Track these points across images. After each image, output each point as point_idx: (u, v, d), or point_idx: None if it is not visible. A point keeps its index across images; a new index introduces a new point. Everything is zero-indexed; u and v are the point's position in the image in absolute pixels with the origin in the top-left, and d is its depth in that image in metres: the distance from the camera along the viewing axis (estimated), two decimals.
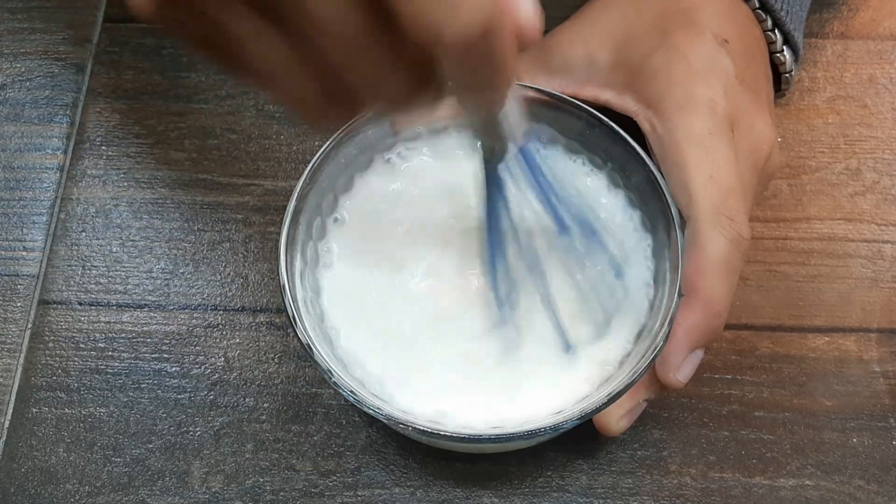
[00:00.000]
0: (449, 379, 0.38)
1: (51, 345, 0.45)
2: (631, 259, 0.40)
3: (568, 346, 0.38)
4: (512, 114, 0.32)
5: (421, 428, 0.35)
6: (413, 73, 0.25)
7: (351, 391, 0.35)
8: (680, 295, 0.37)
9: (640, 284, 0.40)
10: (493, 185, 0.36)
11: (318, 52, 0.25)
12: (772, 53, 0.45)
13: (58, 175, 0.50)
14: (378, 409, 0.35)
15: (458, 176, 0.42)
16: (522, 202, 0.37)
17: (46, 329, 0.46)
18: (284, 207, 0.39)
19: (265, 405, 0.44)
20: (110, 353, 0.45)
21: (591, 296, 0.39)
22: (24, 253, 0.48)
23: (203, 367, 0.45)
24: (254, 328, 0.46)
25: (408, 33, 0.24)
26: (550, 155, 0.43)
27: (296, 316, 0.37)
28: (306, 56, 0.25)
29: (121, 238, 0.48)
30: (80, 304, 0.46)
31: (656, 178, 0.39)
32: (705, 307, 0.37)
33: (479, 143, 0.34)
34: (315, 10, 0.23)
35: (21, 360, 0.45)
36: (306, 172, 0.39)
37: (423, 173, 0.42)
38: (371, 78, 0.26)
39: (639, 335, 0.39)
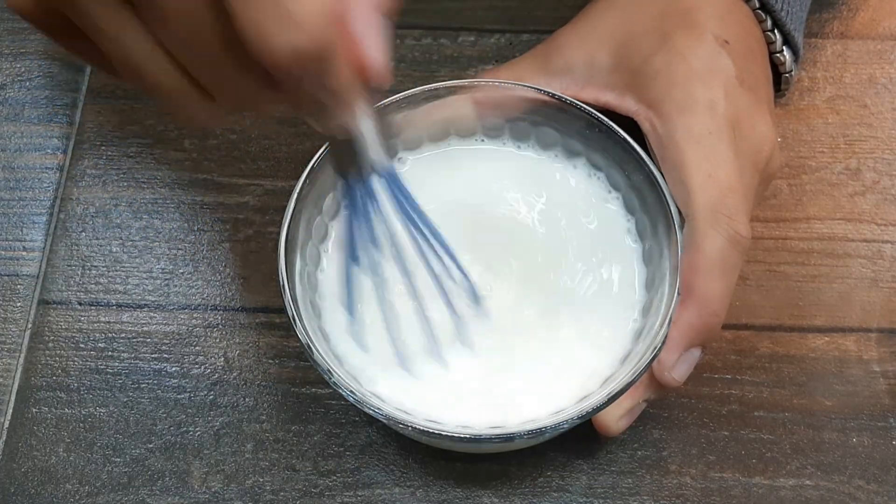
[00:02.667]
0: (449, 378, 0.38)
1: (51, 345, 0.45)
2: (621, 264, 0.40)
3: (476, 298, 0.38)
4: (368, 141, 0.31)
5: (421, 428, 0.35)
6: (258, 75, 0.26)
7: (351, 391, 0.35)
8: (678, 294, 0.37)
9: (628, 289, 0.40)
10: (351, 204, 0.34)
11: (172, 45, 0.26)
12: (772, 53, 0.45)
13: (58, 175, 0.50)
14: (378, 409, 0.35)
15: (458, 178, 0.42)
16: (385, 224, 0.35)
17: (46, 329, 0.46)
18: (284, 207, 0.39)
19: (265, 405, 0.44)
20: (110, 353, 0.45)
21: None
22: (24, 253, 0.48)
23: (203, 367, 0.45)
24: (254, 328, 0.46)
25: (242, 40, 0.24)
26: (546, 156, 0.43)
27: (296, 316, 0.37)
28: (163, 48, 0.26)
29: (121, 238, 0.48)
30: (80, 304, 0.46)
31: (656, 179, 0.39)
32: (701, 306, 0.37)
33: (331, 161, 0.33)
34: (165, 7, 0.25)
35: (21, 360, 0.45)
36: (306, 172, 0.39)
37: (424, 175, 0.42)
38: (220, 76, 0.27)
39: (637, 337, 0.39)
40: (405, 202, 0.34)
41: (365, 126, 0.30)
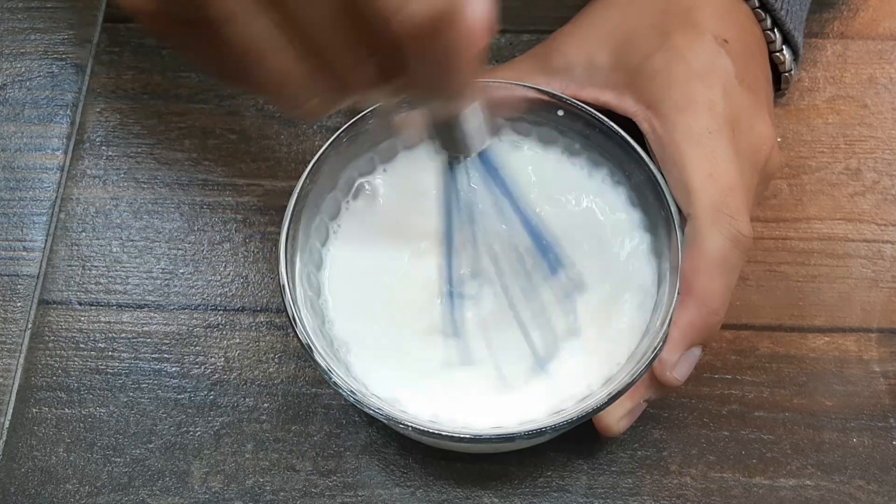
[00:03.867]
0: (449, 378, 0.38)
1: (51, 345, 0.45)
2: (633, 258, 0.40)
3: (540, 361, 0.38)
4: (473, 121, 0.32)
5: (421, 428, 0.35)
6: (381, 58, 0.27)
7: (351, 391, 0.35)
8: (678, 294, 0.37)
9: (642, 285, 0.40)
10: (450, 190, 0.36)
11: (298, 29, 0.26)
12: (771, 53, 0.45)
13: (58, 175, 0.50)
14: (378, 409, 0.35)
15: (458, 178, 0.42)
16: (482, 209, 0.37)
17: (46, 329, 0.46)
18: (284, 207, 0.39)
19: (265, 405, 0.44)
20: (110, 353, 0.45)
21: (542, 317, 0.38)
22: (24, 253, 0.48)
23: (203, 367, 0.45)
24: (254, 328, 0.46)
25: (365, 13, 0.25)
26: (546, 156, 0.43)
27: (296, 316, 0.37)
28: (283, 37, 0.26)
29: (121, 238, 0.48)
30: (80, 304, 0.46)
31: (656, 179, 0.39)
32: (700, 305, 0.37)
33: (436, 145, 0.34)
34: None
35: (21, 360, 0.45)
36: (306, 172, 0.39)
37: (424, 175, 0.42)
38: (343, 61, 0.27)
39: (637, 337, 0.39)
40: (503, 180, 0.36)
41: (473, 108, 0.32)
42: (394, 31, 0.25)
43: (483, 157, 0.35)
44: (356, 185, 0.42)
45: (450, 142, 0.33)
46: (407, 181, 0.42)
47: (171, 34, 0.28)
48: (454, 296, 0.38)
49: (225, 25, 0.26)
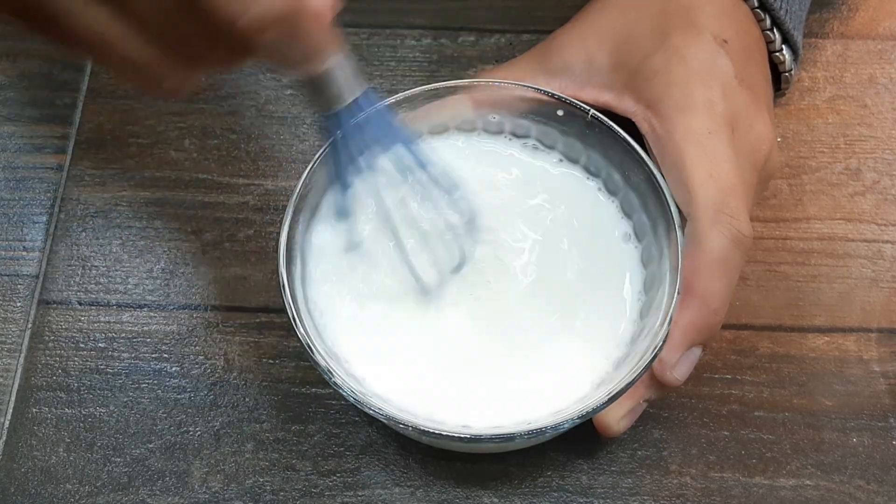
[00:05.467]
0: (449, 378, 0.38)
1: (51, 345, 0.45)
2: (621, 264, 0.40)
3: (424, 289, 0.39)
4: (340, 74, 0.33)
5: (421, 428, 0.35)
6: (225, 42, 0.27)
7: (351, 391, 0.35)
8: (678, 293, 0.37)
9: (628, 289, 0.40)
10: (332, 144, 0.37)
11: (134, 23, 0.27)
12: (771, 53, 0.45)
13: (58, 175, 0.50)
14: (378, 409, 0.35)
15: (458, 177, 0.42)
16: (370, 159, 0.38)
17: (46, 329, 0.46)
18: (284, 207, 0.39)
19: (265, 405, 0.44)
20: (110, 353, 0.45)
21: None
22: (24, 253, 0.48)
23: (203, 367, 0.45)
24: (254, 328, 0.46)
25: (207, 14, 0.26)
26: (545, 156, 0.43)
27: (296, 316, 0.37)
28: (124, 26, 0.27)
29: (121, 238, 0.48)
30: (80, 304, 0.46)
31: (656, 179, 0.39)
32: (701, 304, 0.37)
33: (309, 101, 0.35)
34: None
35: (21, 360, 0.45)
36: (306, 172, 0.39)
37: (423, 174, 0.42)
38: (189, 46, 0.28)
39: (637, 337, 0.39)
40: (392, 125, 0.37)
41: (335, 61, 0.32)
42: (239, 32, 0.26)
43: (366, 102, 0.35)
44: (356, 183, 0.42)
45: (322, 99, 0.34)
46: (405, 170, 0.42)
47: (12, 21, 0.28)
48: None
49: (62, 19, 0.27)
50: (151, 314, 0.46)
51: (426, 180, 0.38)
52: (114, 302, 0.46)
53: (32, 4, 0.27)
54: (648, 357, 0.36)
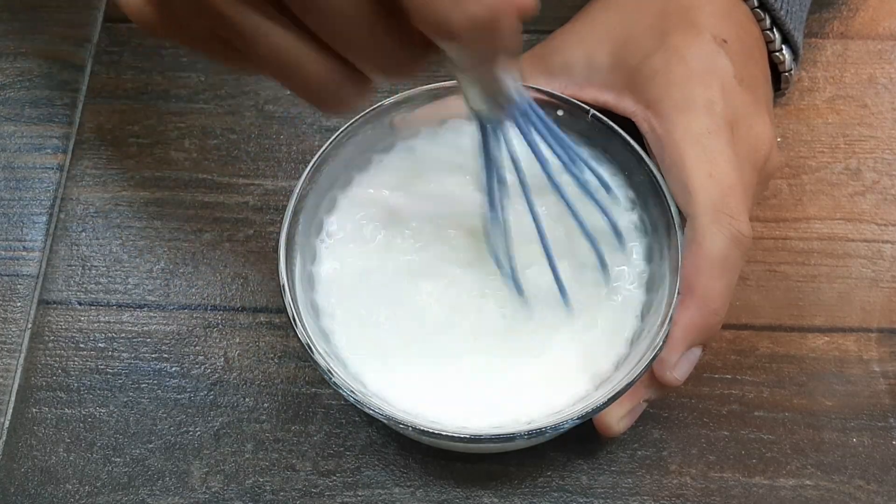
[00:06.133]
0: (449, 378, 0.38)
1: (51, 345, 0.45)
2: (621, 264, 0.40)
3: (567, 304, 0.38)
4: (510, 72, 0.32)
5: (421, 428, 0.35)
6: (416, 48, 0.26)
7: (351, 391, 0.35)
8: (678, 293, 0.37)
9: (629, 289, 0.40)
10: (489, 148, 0.35)
11: (327, 37, 0.25)
12: (771, 52, 0.45)
13: (58, 175, 0.50)
14: (378, 409, 0.35)
15: (457, 175, 0.42)
16: (522, 161, 0.36)
17: (46, 329, 0.46)
18: (284, 207, 0.39)
19: (265, 405, 0.44)
20: (110, 353, 0.45)
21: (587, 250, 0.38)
22: (24, 253, 0.48)
23: (203, 367, 0.45)
24: (254, 328, 0.46)
25: (413, 23, 0.24)
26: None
27: (296, 316, 0.37)
28: (315, 42, 0.26)
29: (121, 238, 0.48)
30: (80, 304, 0.46)
31: (656, 179, 0.39)
32: (701, 304, 0.37)
33: (473, 105, 0.34)
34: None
35: (21, 360, 0.45)
36: (306, 172, 0.39)
37: (423, 173, 0.42)
38: (376, 56, 0.26)
39: (637, 337, 0.39)
40: (548, 128, 0.35)
41: (507, 65, 0.31)
42: (448, 34, 0.25)
43: (520, 109, 0.34)
44: (356, 183, 0.42)
45: (491, 97, 0.33)
46: (402, 172, 0.42)
47: (188, 44, 0.27)
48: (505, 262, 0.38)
49: (249, 43, 0.25)
50: (151, 314, 0.46)
51: (579, 189, 0.37)
52: (114, 302, 0.46)
53: (221, 28, 0.26)
54: (648, 357, 0.36)
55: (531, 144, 0.35)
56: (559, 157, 0.36)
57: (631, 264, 0.40)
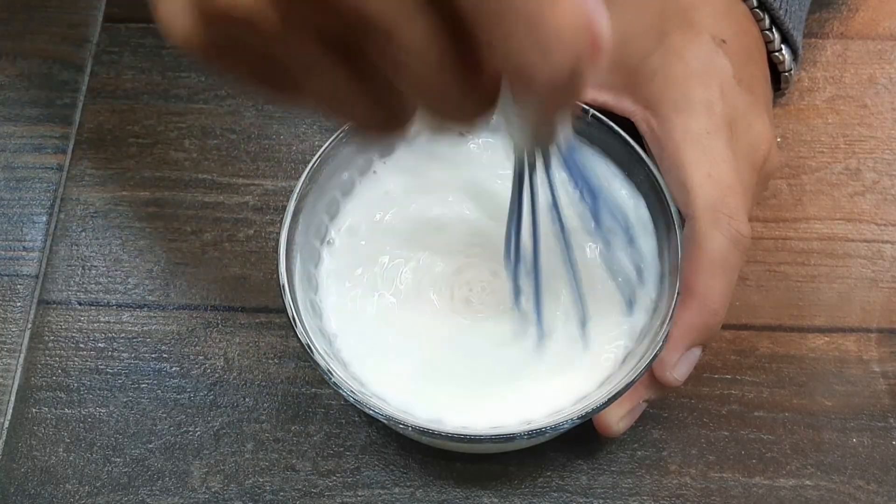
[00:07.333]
0: (449, 378, 0.38)
1: (51, 345, 0.45)
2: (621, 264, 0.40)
3: (585, 323, 0.38)
4: (565, 120, 0.30)
5: (421, 428, 0.35)
6: (482, 95, 0.25)
7: (351, 391, 0.35)
8: (678, 294, 0.37)
9: (629, 289, 0.40)
10: (524, 188, 0.34)
11: (398, 78, 0.24)
12: (770, 52, 0.45)
13: (58, 175, 0.50)
14: (378, 409, 0.35)
15: (458, 175, 0.42)
16: (556, 203, 0.35)
17: (46, 329, 0.46)
18: (284, 207, 0.39)
19: (265, 405, 0.44)
20: (110, 353, 0.45)
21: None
22: (24, 253, 0.48)
23: (203, 367, 0.45)
24: (254, 328, 0.46)
25: (493, 69, 0.23)
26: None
27: (296, 316, 0.37)
28: (366, 81, 0.24)
29: (121, 238, 0.48)
30: (80, 304, 0.46)
31: (656, 179, 0.39)
32: (701, 305, 0.37)
33: (517, 145, 0.33)
34: (402, 44, 0.23)
35: (21, 360, 0.45)
36: (306, 172, 0.39)
37: (424, 173, 0.42)
38: (439, 100, 0.25)
39: (637, 337, 0.39)
40: (581, 176, 0.34)
41: (566, 113, 0.29)
42: (527, 82, 0.23)
43: (565, 154, 0.33)
44: (356, 184, 0.42)
45: (544, 137, 0.31)
46: (405, 171, 0.42)
47: (236, 74, 0.25)
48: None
49: (299, 82, 0.24)
50: (151, 314, 0.46)
51: (611, 234, 0.37)
52: (114, 302, 0.46)
53: (276, 60, 0.24)
54: (648, 357, 0.36)
55: (553, 193, 0.34)
56: (587, 204, 0.35)
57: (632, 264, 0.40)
